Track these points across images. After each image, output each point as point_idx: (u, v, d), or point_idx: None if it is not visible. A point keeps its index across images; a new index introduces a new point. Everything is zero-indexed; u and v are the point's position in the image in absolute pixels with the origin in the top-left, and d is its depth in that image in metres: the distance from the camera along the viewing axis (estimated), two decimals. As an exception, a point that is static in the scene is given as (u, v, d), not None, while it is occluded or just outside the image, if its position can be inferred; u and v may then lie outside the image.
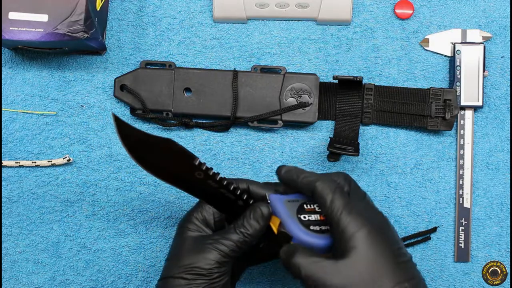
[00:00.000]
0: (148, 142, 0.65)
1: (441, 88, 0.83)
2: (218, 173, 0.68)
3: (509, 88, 0.85)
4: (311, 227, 0.68)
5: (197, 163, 0.66)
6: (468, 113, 0.84)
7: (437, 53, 0.85)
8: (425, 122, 0.83)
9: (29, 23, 0.76)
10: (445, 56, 0.85)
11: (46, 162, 0.84)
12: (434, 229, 0.84)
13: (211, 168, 0.67)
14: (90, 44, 0.79)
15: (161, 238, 0.84)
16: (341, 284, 0.63)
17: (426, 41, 0.85)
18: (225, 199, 0.69)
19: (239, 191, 0.69)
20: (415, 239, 0.84)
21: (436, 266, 0.84)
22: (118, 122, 0.64)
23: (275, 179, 0.84)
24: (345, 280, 0.63)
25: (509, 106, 0.84)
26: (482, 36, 0.84)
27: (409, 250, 0.84)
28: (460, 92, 0.83)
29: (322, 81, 0.84)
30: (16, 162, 0.84)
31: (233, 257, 0.68)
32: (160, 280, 0.69)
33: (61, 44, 0.78)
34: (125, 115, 0.84)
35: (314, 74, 0.83)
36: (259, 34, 0.85)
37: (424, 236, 0.84)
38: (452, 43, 0.84)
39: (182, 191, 0.69)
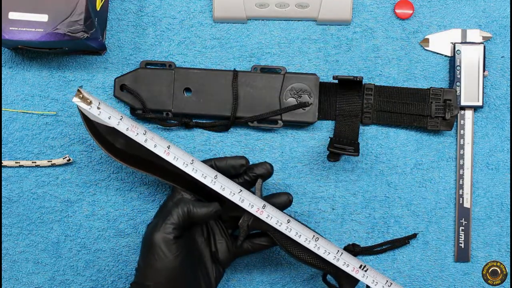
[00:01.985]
0: (114, 131, 0.73)
1: (441, 88, 0.83)
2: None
3: (509, 88, 0.85)
4: None
5: None
6: (468, 113, 0.84)
7: (437, 53, 0.85)
8: (425, 122, 0.83)
9: (29, 23, 0.76)
10: (445, 56, 0.85)
11: (46, 162, 0.84)
12: (414, 235, 0.84)
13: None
14: (90, 44, 0.79)
15: (161, 238, 0.84)
16: None
17: (426, 41, 0.85)
18: (195, 178, 0.74)
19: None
20: (391, 245, 0.84)
21: (436, 266, 0.84)
22: (85, 116, 0.73)
23: (275, 180, 0.84)
24: None
25: (509, 106, 0.84)
26: (482, 36, 0.84)
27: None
28: (460, 92, 0.83)
29: (322, 81, 0.84)
30: (16, 162, 0.84)
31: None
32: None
33: (61, 44, 0.78)
34: (125, 115, 0.84)
35: (314, 74, 0.83)
36: (259, 34, 0.85)
37: (402, 242, 0.84)
38: (452, 43, 0.84)
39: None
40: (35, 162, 0.84)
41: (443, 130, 0.84)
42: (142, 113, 0.83)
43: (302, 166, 0.84)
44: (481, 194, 0.84)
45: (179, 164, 0.73)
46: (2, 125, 0.84)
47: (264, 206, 0.74)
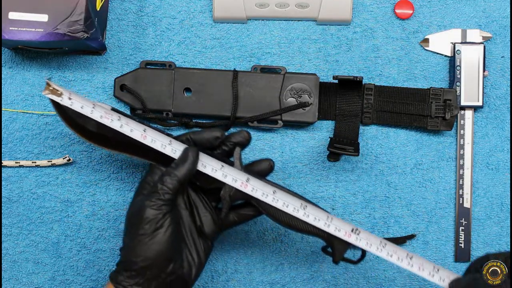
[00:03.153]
0: (82, 115, 0.72)
1: (441, 88, 0.83)
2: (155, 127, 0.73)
3: (509, 88, 0.85)
4: None
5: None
6: (468, 113, 0.84)
7: (437, 53, 0.85)
8: (425, 122, 0.83)
9: (29, 23, 0.76)
10: (445, 56, 0.85)
11: (46, 162, 0.84)
12: (412, 236, 0.84)
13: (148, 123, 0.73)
14: (90, 44, 0.79)
15: (161, 238, 0.84)
16: None
17: (426, 41, 0.85)
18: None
19: (177, 139, 0.73)
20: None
21: (436, 266, 0.84)
22: (54, 101, 0.72)
23: (275, 179, 0.84)
24: None
25: (509, 106, 0.84)
26: (482, 36, 0.84)
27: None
28: (460, 92, 0.83)
29: (322, 81, 0.84)
30: (16, 162, 0.84)
31: (167, 201, 0.70)
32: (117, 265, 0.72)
33: (61, 44, 0.78)
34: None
35: (314, 74, 0.83)
36: (259, 34, 0.85)
37: (401, 241, 0.84)
38: (452, 43, 0.84)
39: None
40: (35, 162, 0.84)
41: (443, 130, 0.84)
42: (142, 113, 0.83)
43: (302, 166, 0.84)
44: (481, 194, 0.84)
45: (157, 146, 0.72)
46: (2, 125, 0.84)
47: (248, 179, 0.72)
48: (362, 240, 0.73)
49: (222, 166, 0.72)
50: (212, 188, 0.74)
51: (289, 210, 0.72)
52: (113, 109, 0.73)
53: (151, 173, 0.74)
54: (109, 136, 0.73)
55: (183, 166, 0.71)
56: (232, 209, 0.75)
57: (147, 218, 0.70)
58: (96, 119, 0.72)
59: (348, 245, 0.73)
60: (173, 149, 0.72)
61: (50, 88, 0.72)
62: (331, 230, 0.72)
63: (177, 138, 0.74)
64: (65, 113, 0.73)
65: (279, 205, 0.72)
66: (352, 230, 0.73)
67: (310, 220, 0.72)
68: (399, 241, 0.83)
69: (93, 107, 0.72)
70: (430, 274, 0.72)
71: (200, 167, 0.72)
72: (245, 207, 0.76)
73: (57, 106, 0.73)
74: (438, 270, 0.72)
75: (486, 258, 0.70)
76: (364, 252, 0.75)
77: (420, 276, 0.84)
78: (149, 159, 0.74)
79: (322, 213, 0.73)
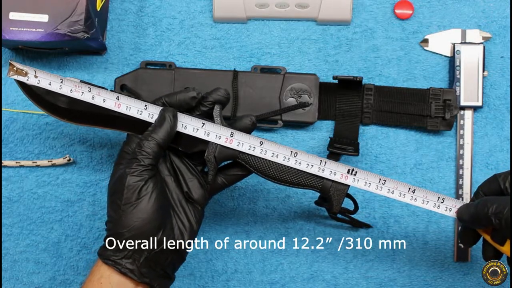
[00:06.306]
0: (51, 91, 0.70)
1: (440, 88, 0.83)
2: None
3: (508, 88, 0.85)
4: None
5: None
6: (468, 113, 0.84)
7: (437, 53, 0.85)
8: (425, 122, 0.83)
9: (29, 23, 0.76)
10: (445, 56, 0.85)
11: (46, 162, 0.84)
12: (368, 225, 0.83)
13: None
14: (91, 44, 0.79)
15: (161, 238, 0.84)
16: None
17: (426, 41, 0.85)
18: (143, 120, 0.71)
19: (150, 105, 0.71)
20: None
21: (436, 266, 0.84)
22: (21, 82, 0.70)
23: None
24: None
25: (509, 106, 0.84)
26: (482, 36, 0.84)
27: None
28: (459, 92, 0.83)
29: (322, 81, 0.84)
30: (16, 162, 0.84)
31: (149, 166, 0.68)
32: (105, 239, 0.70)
33: (61, 44, 0.78)
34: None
35: (314, 74, 0.83)
36: (259, 34, 0.85)
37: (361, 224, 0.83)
38: (452, 43, 0.84)
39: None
40: (36, 162, 0.84)
41: (442, 130, 0.84)
42: (142, 113, 0.83)
43: (302, 166, 0.84)
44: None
45: (133, 113, 0.70)
46: (3, 125, 0.84)
47: (232, 134, 0.70)
48: (360, 181, 0.70)
49: (203, 124, 0.70)
50: (196, 152, 0.72)
51: (279, 160, 0.70)
52: (82, 82, 0.71)
53: (129, 142, 0.72)
54: (82, 110, 0.71)
55: (161, 128, 0.69)
56: (219, 172, 0.73)
57: (129, 186, 0.67)
58: (66, 94, 0.70)
59: (345, 190, 0.70)
60: (149, 113, 0.70)
61: (14, 69, 0.70)
62: (326, 174, 0.70)
63: (152, 103, 0.72)
64: (33, 92, 0.71)
65: (268, 156, 0.70)
66: (348, 171, 0.70)
67: (302, 167, 0.69)
68: (356, 224, 0.83)
69: (62, 82, 0.70)
70: (436, 206, 0.71)
71: (180, 128, 0.70)
72: (232, 167, 0.73)
73: (23, 86, 0.71)
74: (443, 200, 0.70)
75: (495, 179, 0.68)
76: (356, 204, 0.73)
77: (420, 277, 0.84)
78: (127, 129, 0.72)
79: (315, 158, 0.70)
